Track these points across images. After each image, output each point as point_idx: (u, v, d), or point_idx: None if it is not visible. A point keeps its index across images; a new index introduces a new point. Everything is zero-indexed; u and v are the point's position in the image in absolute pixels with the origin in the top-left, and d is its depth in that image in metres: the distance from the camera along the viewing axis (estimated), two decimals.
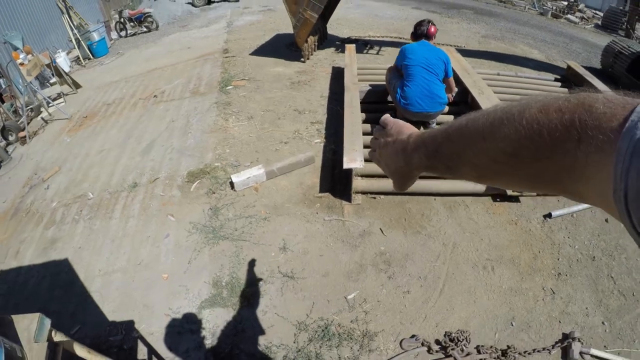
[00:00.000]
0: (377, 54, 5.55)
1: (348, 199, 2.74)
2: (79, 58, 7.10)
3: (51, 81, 5.84)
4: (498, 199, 2.71)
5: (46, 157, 3.86)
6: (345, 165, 2.57)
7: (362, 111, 3.35)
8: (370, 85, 3.85)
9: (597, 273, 2.12)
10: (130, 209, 2.84)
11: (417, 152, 0.54)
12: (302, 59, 5.27)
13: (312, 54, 5.43)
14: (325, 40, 6.02)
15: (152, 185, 3.06)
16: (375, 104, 3.72)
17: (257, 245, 2.38)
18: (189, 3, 11.57)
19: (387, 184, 2.60)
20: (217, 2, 11.69)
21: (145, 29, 9.03)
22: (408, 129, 0.60)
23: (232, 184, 2.87)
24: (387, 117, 0.66)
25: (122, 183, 3.14)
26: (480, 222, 2.53)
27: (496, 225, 2.50)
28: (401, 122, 0.63)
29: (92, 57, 7.33)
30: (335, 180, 2.94)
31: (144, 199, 2.91)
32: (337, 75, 4.64)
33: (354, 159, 2.60)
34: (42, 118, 4.68)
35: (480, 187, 2.64)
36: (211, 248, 2.38)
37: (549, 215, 2.54)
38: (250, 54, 5.77)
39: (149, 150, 3.56)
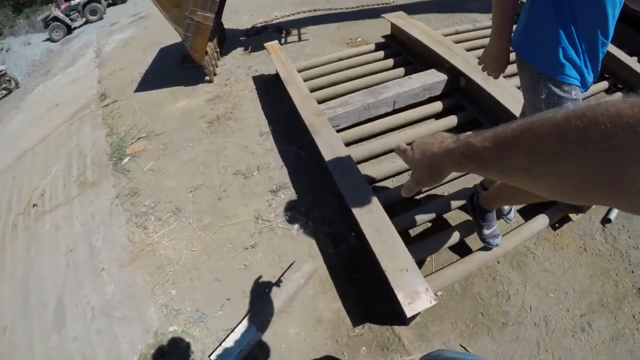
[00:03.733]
0: (300, 40, 3.96)
1: (401, 319, 1.55)
2: None
3: None
4: (557, 225, 1.85)
5: None
6: (409, 312, 1.28)
7: (357, 161, 1.94)
8: (336, 106, 2.39)
9: None
10: None
11: (465, 145, 0.51)
12: (208, 78, 3.57)
13: (217, 66, 3.72)
14: (226, 40, 4.26)
15: None
16: (358, 126, 2.29)
17: None
18: (46, 40, 8.70)
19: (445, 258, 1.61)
20: (79, 27, 8.91)
21: (4, 92, 6.45)
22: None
23: None
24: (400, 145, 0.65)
25: None
26: (556, 270, 1.72)
27: (570, 264, 1.74)
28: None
29: None
30: (362, 290, 1.61)
31: None
32: (266, 88, 3.11)
33: (415, 292, 1.29)
34: None
35: (539, 224, 1.80)
36: None
37: (608, 221, 1.89)
38: (135, 91, 3.91)
39: (63, 319, 1.99)
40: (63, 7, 9.98)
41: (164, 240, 2.16)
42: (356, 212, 1.67)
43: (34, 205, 3.01)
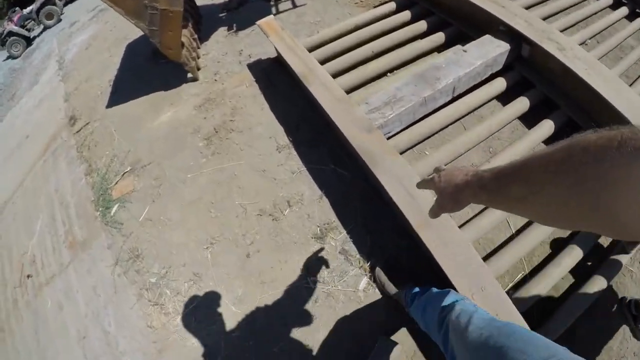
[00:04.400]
0: (294, 6, 3.06)
1: None
2: None
3: None
4: None
5: None
6: None
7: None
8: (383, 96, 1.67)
9: None
10: None
11: (479, 177, 0.57)
12: (191, 75, 2.77)
13: (199, 57, 2.90)
14: (202, 20, 3.36)
15: None
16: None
17: None
18: (7, 58, 7.72)
19: None
20: (38, 35, 7.86)
21: None
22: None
23: None
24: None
25: None
26: None
27: None
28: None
29: None
30: None
31: None
32: (268, 78, 2.33)
33: None
34: None
35: None
36: None
37: None
38: (108, 106, 3.14)
39: None
40: (16, 18, 8.79)
41: (191, 323, 1.56)
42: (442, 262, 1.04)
43: (28, 276, 2.45)
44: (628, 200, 0.32)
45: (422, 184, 0.76)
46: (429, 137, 1.79)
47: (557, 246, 1.51)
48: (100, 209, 2.28)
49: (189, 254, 1.79)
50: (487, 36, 1.91)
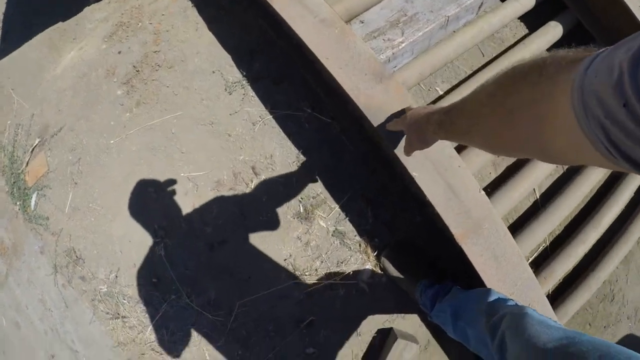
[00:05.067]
0: None
1: None
2: None
3: None
4: None
5: None
6: None
7: None
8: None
9: None
10: None
11: (436, 114, 0.59)
12: None
13: None
14: None
15: None
16: None
17: None
18: None
19: None
20: None
21: None
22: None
23: None
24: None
25: None
26: None
27: None
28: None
29: None
30: None
31: None
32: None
33: None
34: None
35: None
36: None
37: None
38: None
39: None
40: None
41: (164, 336, 1.19)
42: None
43: None
44: (555, 128, 0.31)
45: (393, 125, 0.83)
46: (440, 68, 1.19)
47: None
48: (18, 202, 1.70)
49: (137, 251, 1.33)
50: None
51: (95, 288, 1.42)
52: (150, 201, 1.35)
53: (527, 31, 1.50)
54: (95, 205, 1.47)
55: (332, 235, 1.13)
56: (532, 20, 1.45)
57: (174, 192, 1.28)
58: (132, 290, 1.35)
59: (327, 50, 1.00)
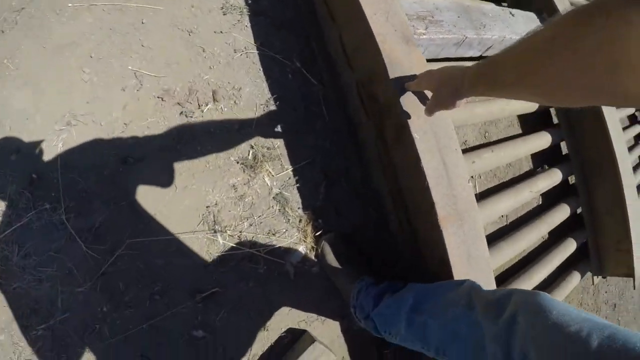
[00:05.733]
0: None
1: None
2: None
3: None
4: None
5: None
6: None
7: None
8: None
9: None
10: None
11: (474, 67, 0.56)
12: None
13: None
14: None
15: None
16: None
17: None
18: None
19: None
20: None
21: None
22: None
23: None
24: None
25: None
26: None
27: None
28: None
29: None
30: None
31: None
32: None
33: None
34: None
35: None
36: None
37: None
38: None
39: None
40: None
41: (11, 255, 0.90)
42: None
43: None
44: (632, 68, 0.28)
45: (417, 83, 0.80)
46: None
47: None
48: None
49: (30, 133, 1.04)
50: (533, 14, 1.50)
51: None
52: (76, 83, 1.08)
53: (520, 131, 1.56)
54: (9, 64, 1.17)
55: (273, 198, 0.94)
56: None
57: (108, 82, 1.04)
58: (1, 180, 1.04)
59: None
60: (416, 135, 0.83)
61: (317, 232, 0.97)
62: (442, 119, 0.90)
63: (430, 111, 0.72)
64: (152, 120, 1.00)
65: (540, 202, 1.67)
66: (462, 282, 0.72)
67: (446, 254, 0.83)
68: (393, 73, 0.86)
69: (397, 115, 0.89)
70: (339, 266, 0.90)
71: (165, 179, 0.97)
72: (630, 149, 1.96)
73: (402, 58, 0.90)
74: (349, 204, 1.01)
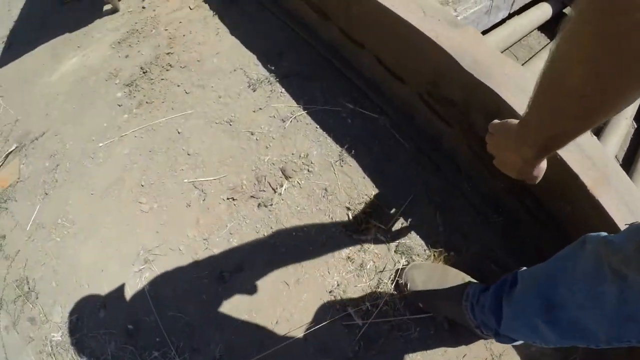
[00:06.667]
0: None
1: None
2: None
3: None
4: None
5: None
6: None
7: None
8: None
9: None
10: None
11: (521, 131, 0.46)
12: (109, 6, 1.77)
13: None
14: None
15: None
16: None
17: None
18: None
19: None
20: None
21: None
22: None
23: None
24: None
25: None
26: None
27: None
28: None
29: None
30: None
31: None
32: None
33: None
34: None
35: None
36: None
37: None
38: None
39: None
40: None
41: None
42: None
43: None
44: None
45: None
46: None
47: None
48: None
49: (110, 284, 0.93)
50: None
51: (46, 335, 0.99)
52: (138, 217, 0.99)
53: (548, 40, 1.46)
54: (65, 221, 1.10)
55: (395, 251, 0.79)
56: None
57: (170, 203, 0.94)
58: (96, 342, 0.92)
59: (395, 2, 0.82)
60: (520, 112, 0.69)
61: (451, 266, 0.80)
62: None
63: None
64: (232, 225, 0.88)
65: (636, 127, 1.50)
66: (580, 243, 0.53)
67: (611, 221, 0.66)
68: (464, 61, 0.74)
69: (483, 104, 0.76)
70: (435, 288, 0.71)
71: (272, 281, 0.83)
72: None
73: (459, 41, 0.79)
74: (470, 222, 0.85)
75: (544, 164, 0.49)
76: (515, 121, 0.48)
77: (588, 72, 0.29)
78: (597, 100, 0.32)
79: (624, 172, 0.75)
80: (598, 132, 1.23)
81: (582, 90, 0.31)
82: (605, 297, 0.46)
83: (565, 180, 0.73)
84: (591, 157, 0.74)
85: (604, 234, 0.51)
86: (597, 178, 0.71)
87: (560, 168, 0.73)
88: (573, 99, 0.33)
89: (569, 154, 0.73)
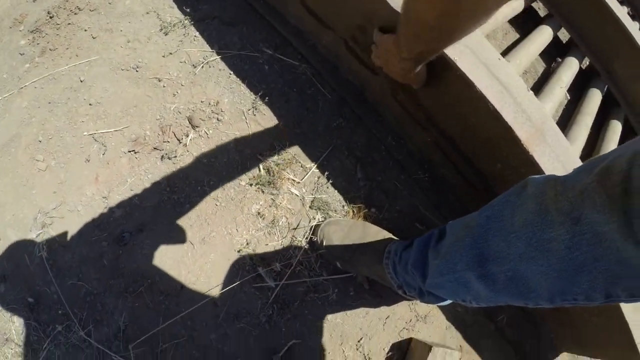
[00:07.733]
0: None
1: None
2: None
3: None
4: None
5: None
6: None
7: None
8: None
9: None
10: None
11: (396, 48, 0.56)
12: None
13: None
14: None
15: None
16: None
17: None
18: None
19: None
20: None
21: None
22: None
23: None
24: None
25: None
26: None
27: None
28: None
29: None
30: None
31: None
32: None
33: None
34: None
35: None
36: None
37: None
38: None
39: None
40: None
41: None
42: None
43: None
44: None
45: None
46: None
47: None
48: None
49: (9, 255, 0.82)
50: None
51: None
52: (35, 176, 0.87)
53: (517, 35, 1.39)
54: None
55: (310, 207, 0.72)
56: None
57: (68, 159, 0.82)
58: None
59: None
60: (455, 57, 0.61)
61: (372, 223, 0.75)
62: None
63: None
64: (132, 181, 0.78)
65: (569, 98, 1.46)
66: (520, 187, 0.47)
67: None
68: (393, 1, 0.64)
69: None
70: (353, 243, 0.67)
71: (175, 241, 0.75)
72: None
73: None
74: (394, 178, 0.80)
75: (422, 70, 0.60)
76: (393, 36, 0.56)
77: (438, 12, 0.38)
78: (444, 30, 0.42)
79: (561, 132, 0.70)
80: None
81: (433, 23, 0.41)
82: (551, 244, 0.40)
83: (498, 133, 0.67)
84: (526, 111, 0.68)
85: (552, 174, 0.45)
86: (532, 133, 0.66)
87: (493, 121, 0.67)
88: (426, 29, 0.43)
89: (504, 106, 0.66)
